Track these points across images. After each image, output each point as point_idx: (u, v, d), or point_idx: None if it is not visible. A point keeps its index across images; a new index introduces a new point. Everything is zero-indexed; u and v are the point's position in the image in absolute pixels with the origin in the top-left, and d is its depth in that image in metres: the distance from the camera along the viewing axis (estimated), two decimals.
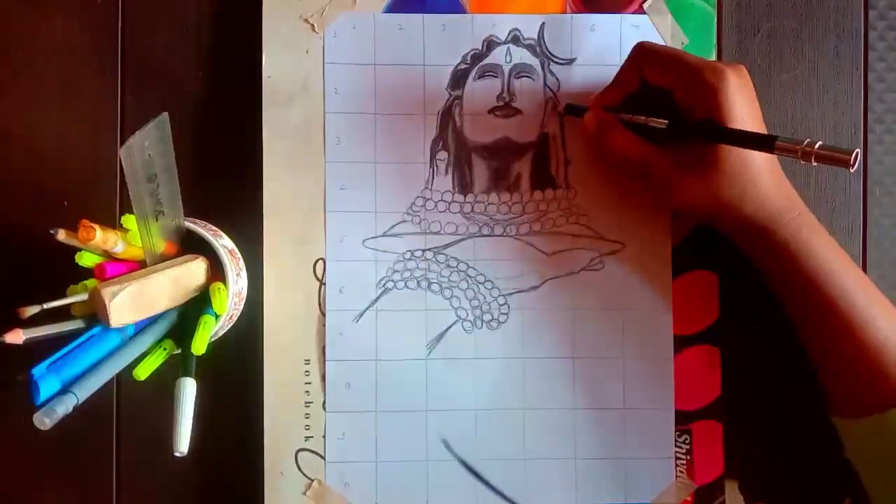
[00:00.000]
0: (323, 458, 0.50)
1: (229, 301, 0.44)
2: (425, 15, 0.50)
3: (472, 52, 0.50)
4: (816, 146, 0.39)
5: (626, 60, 0.47)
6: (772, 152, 0.41)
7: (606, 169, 0.50)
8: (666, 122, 0.45)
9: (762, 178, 0.44)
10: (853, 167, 0.39)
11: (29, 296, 0.41)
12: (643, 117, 0.46)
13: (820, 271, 0.44)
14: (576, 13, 0.51)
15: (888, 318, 0.44)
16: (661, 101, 0.46)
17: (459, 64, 0.50)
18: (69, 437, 0.49)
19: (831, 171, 0.52)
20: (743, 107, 0.43)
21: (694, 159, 0.44)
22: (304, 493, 0.49)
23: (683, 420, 0.50)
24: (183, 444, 0.40)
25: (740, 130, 0.43)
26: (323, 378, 0.50)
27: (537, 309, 0.50)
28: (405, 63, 0.50)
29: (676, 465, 0.50)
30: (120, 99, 0.50)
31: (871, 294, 0.45)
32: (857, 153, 0.39)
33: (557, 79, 0.50)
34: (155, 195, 0.41)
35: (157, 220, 0.42)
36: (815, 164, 0.40)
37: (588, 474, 0.50)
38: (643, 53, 0.46)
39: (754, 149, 0.43)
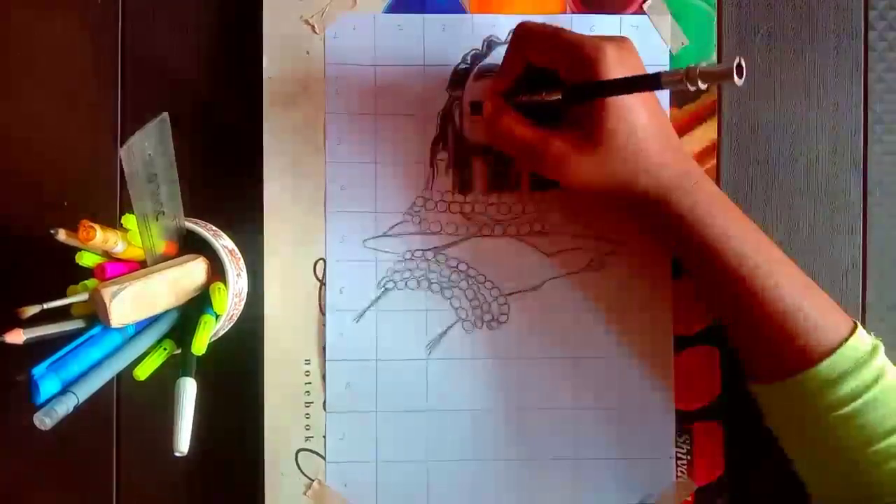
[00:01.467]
0: (323, 458, 0.50)
1: (229, 301, 0.44)
2: (425, 15, 0.50)
3: (472, 53, 0.50)
4: (699, 68, 0.38)
5: (509, 44, 0.46)
6: (660, 87, 0.40)
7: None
8: (559, 92, 0.44)
9: (652, 149, 0.44)
10: (740, 79, 0.37)
11: (29, 296, 0.41)
12: (538, 95, 0.45)
13: (719, 239, 0.44)
14: (576, 13, 0.51)
15: (793, 283, 0.44)
16: (553, 82, 0.45)
17: (459, 64, 0.50)
18: (69, 437, 0.49)
19: (831, 170, 0.52)
20: (626, 74, 0.43)
21: (582, 137, 0.44)
22: (305, 494, 0.49)
23: (684, 420, 0.50)
24: (183, 444, 0.40)
25: (623, 78, 0.42)
26: (323, 378, 0.50)
27: (537, 309, 0.50)
28: (405, 63, 0.50)
29: (677, 466, 0.50)
30: (120, 99, 0.51)
31: (775, 258, 0.44)
32: (739, 61, 0.37)
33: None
34: (155, 195, 0.41)
35: (157, 220, 0.42)
36: (702, 86, 0.38)
37: (588, 474, 0.50)
38: (523, 34, 0.45)
39: (643, 89, 0.41)
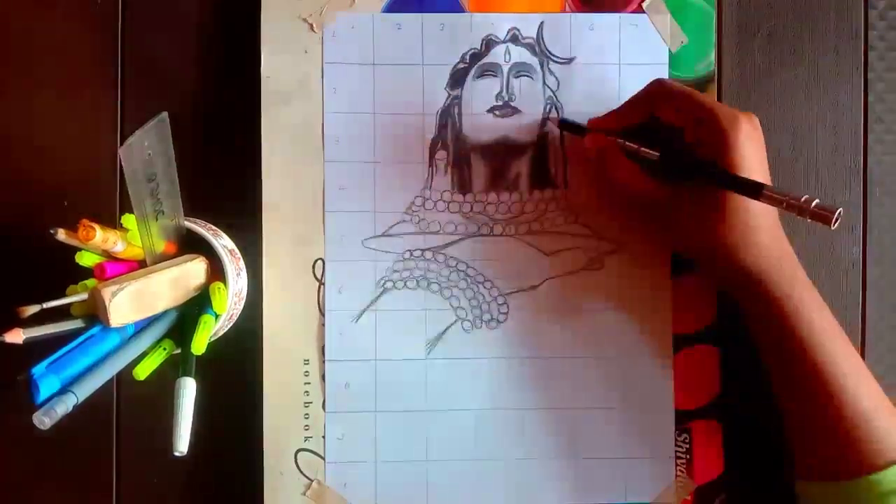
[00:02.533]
0: (322, 458, 0.50)
1: (229, 301, 0.44)
2: (424, 14, 0.50)
3: (471, 52, 0.50)
4: (802, 200, 0.40)
5: (640, 93, 0.46)
6: (756, 198, 0.41)
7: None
8: (658, 153, 0.45)
9: (762, 228, 0.44)
10: (834, 225, 0.39)
11: (29, 295, 0.41)
12: (636, 146, 0.46)
13: (811, 334, 0.44)
14: (575, 12, 0.51)
15: (871, 388, 0.44)
16: (665, 134, 0.46)
17: (458, 63, 0.50)
18: (69, 437, 0.49)
19: (831, 170, 0.52)
20: (752, 156, 0.43)
21: (696, 200, 0.44)
22: (304, 494, 0.49)
23: (683, 420, 0.50)
24: (183, 444, 0.40)
25: (730, 174, 0.42)
26: (322, 378, 0.50)
27: (537, 309, 0.50)
28: (404, 63, 0.50)
29: (676, 465, 0.50)
30: (120, 99, 0.51)
31: (857, 364, 0.45)
32: (839, 212, 0.39)
33: (557, 78, 0.50)
34: (155, 195, 0.41)
35: (156, 219, 0.42)
36: (797, 217, 0.40)
37: (588, 474, 0.50)
38: (660, 90, 0.45)
39: (741, 193, 0.42)
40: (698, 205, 0.44)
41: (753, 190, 0.41)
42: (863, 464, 0.43)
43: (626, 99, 0.47)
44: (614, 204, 0.50)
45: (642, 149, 0.46)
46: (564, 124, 0.50)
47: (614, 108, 0.48)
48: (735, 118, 0.43)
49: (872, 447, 0.43)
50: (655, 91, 0.46)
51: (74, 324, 0.42)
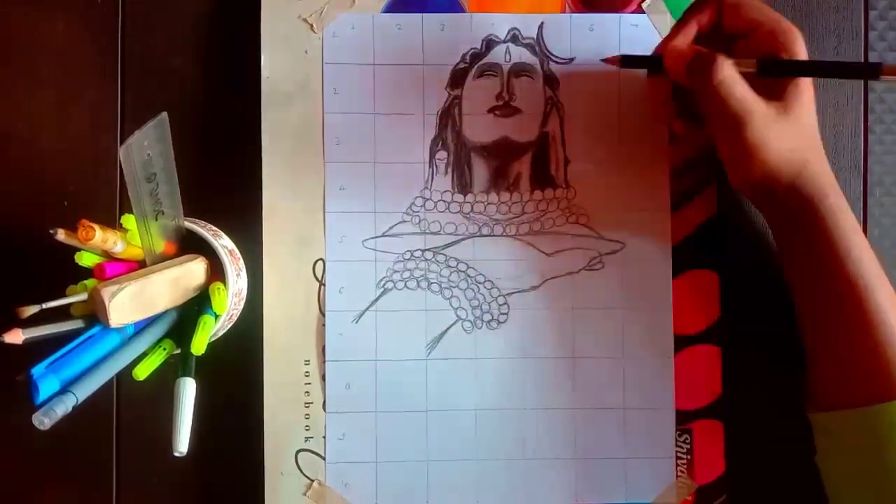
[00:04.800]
0: (323, 458, 0.50)
1: (229, 301, 0.44)
2: (424, 14, 0.50)
3: (471, 52, 0.50)
4: None
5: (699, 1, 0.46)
6: (877, 79, 0.42)
7: (607, 168, 0.50)
8: (755, 61, 0.44)
9: (819, 145, 0.45)
10: None
11: (28, 296, 0.41)
12: (731, 59, 0.43)
13: (847, 253, 0.44)
14: (575, 13, 0.51)
15: None
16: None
17: (458, 63, 0.50)
18: (69, 437, 0.49)
19: (832, 171, 0.51)
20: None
21: (783, 109, 0.44)
22: (305, 494, 0.49)
23: (684, 420, 0.50)
24: (183, 444, 0.40)
25: (838, 62, 0.43)
26: (323, 378, 0.50)
27: (537, 309, 0.50)
28: (404, 63, 0.50)
29: (677, 465, 0.50)
30: (120, 99, 0.51)
31: (887, 286, 0.44)
32: None
33: (557, 78, 0.50)
34: (154, 195, 0.41)
35: (156, 219, 0.42)
36: None
37: (588, 474, 0.50)
38: None
39: (861, 77, 0.44)
40: (787, 117, 0.44)
41: (873, 70, 0.42)
42: (885, 391, 0.43)
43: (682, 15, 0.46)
44: (622, 190, 0.50)
45: (739, 59, 0.43)
46: (628, 60, 0.47)
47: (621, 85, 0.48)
48: (794, 26, 0.44)
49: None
50: None
51: (74, 324, 0.42)
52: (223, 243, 0.46)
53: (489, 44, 0.50)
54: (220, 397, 0.49)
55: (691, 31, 0.45)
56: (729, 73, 0.43)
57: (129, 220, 0.42)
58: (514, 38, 0.50)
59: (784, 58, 0.44)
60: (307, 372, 0.50)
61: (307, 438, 0.50)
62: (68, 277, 0.42)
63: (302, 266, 0.50)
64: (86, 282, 0.42)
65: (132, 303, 0.41)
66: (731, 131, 0.44)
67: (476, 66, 0.50)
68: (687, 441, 0.50)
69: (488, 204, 0.51)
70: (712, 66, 0.43)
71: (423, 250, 0.50)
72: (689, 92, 0.45)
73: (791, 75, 0.44)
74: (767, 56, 0.44)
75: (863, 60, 0.51)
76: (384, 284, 0.50)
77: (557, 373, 0.50)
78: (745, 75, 0.43)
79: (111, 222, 0.42)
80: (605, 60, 0.48)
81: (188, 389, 0.41)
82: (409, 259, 0.50)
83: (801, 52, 0.44)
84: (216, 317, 0.44)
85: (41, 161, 0.50)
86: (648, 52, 0.48)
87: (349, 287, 0.50)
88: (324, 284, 0.50)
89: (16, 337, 0.39)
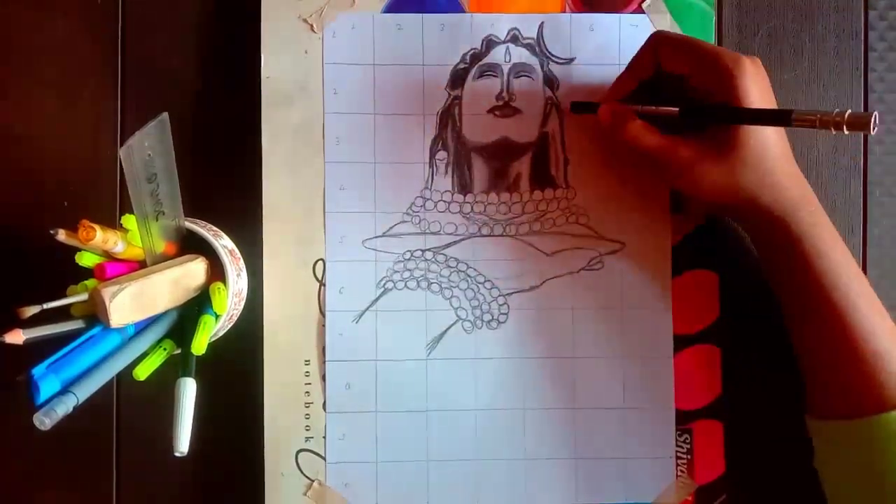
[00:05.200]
0: (323, 458, 0.50)
1: (229, 301, 0.44)
2: (424, 14, 0.50)
3: (471, 52, 0.50)
4: (834, 114, 0.39)
5: (642, 48, 0.46)
6: (789, 125, 0.41)
7: (610, 163, 0.50)
8: (677, 109, 0.45)
9: (779, 167, 0.44)
10: (873, 130, 0.39)
11: (29, 296, 0.41)
12: (653, 107, 0.46)
13: (829, 273, 0.44)
14: (575, 13, 0.51)
15: (886, 329, 0.44)
16: (670, 93, 0.46)
17: (458, 63, 0.50)
18: (69, 437, 0.49)
19: (831, 170, 0.52)
20: (758, 94, 0.43)
21: (712, 146, 0.44)
22: (305, 494, 0.49)
23: (684, 420, 0.50)
24: (183, 444, 0.40)
25: (756, 109, 0.43)
26: (323, 378, 0.50)
27: (537, 309, 0.50)
28: (404, 63, 0.50)
29: (677, 465, 0.50)
30: (120, 99, 0.51)
31: (873, 302, 0.45)
32: (875, 115, 0.39)
33: (557, 78, 0.51)
34: (155, 195, 0.41)
35: (157, 220, 0.42)
36: (834, 132, 0.40)
37: (588, 474, 0.50)
38: (660, 40, 0.46)
39: (771, 124, 0.43)
40: (714, 150, 0.44)
41: (783, 118, 0.41)
42: (878, 403, 0.43)
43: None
44: (622, 189, 0.50)
45: (660, 108, 0.46)
46: (577, 107, 0.50)
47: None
48: (738, 58, 0.43)
49: (888, 386, 0.43)
50: (657, 42, 0.46)
51: (75, 324, 0.42)
52: (223, 243, 0.46)
53: (489, 44, 0.50)
54: (220, 397, 0.49)
55: (630, 82, 0.47)
56: (636, 130, 0.46)
57: (129, 221, 0.42)
58: (514, 38, 0.50)
59: (722, 97, 0.44)
60: (307, 372, 0.50)
61: (307, 438, 0.50)
62: (69, 278, 0.42)
63: (302, 266, 0.50)
64: (86, 282, 0.42)
65: (133, 303, 0.41)
66: (657, 173, 0.48)
67: (476, 67, 0.50)
68: (687, 441, 0.50)
69: (488, 204, 0.51)
70: (622, 123, 0.46)
71: (424, 250, 0.50)
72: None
73: (711, 121, 0.45)
74: (710, 94, 0.44)
75: (862, 60, 0.52)
76: (384, 284, 0.50)
77: (557, 373, 0.50)
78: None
79: (111, 222, 0.42)
80: (557, 107, 0.50)
81: (188, 389, 0.41)
82: (409, 259, 0.50)
83: (740, 90, 0.43)
84: (216, 317, 0.44)
85: (41, 161, 0.50)
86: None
87: (349, 287, 0.50)
88: (324, 284, 0.50)
89: (16, 337, 0.39)
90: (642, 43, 0.46)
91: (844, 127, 0.39)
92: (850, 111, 0.39)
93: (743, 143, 0.44)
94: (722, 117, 0.44)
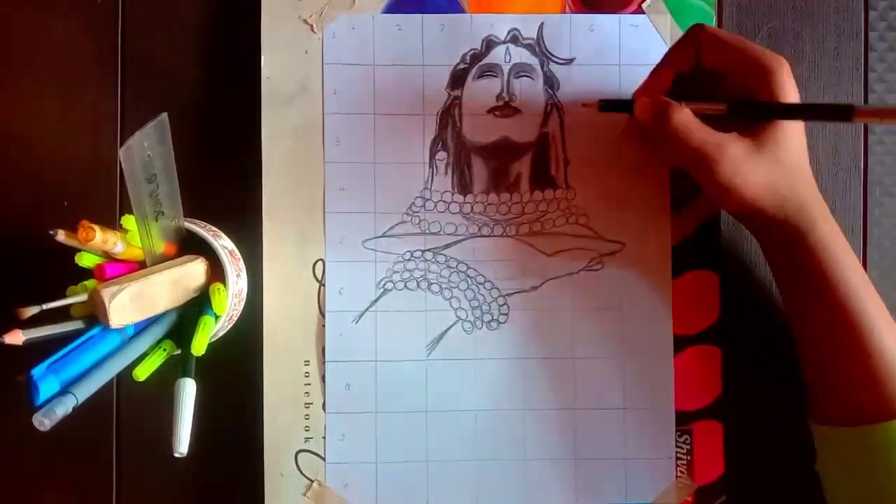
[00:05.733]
0: (323, 459, 0.50)
1: (229, 302, 0.44)
2: (424, 15, 0.50)
3: (471, 52, 0.50)
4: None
5: (681, 40, 0.45)
6: (849, 121, 0.41)
7: (607, 168, 0.50)
8: (724, 105, 0.44)
9: (807, 173, 0.45)
10: None
11: (28, 296, 0.41)
12: (696, 104, 0.44)
13: (841, 282, 0.44)
14: (575, 13, 0.51)
15: (893, 337, 0.44)
16: (700, 92, 0.45)
17: (458, 64, 0.50)
18: (69, 437, 0.49)
19: (831, 172, 0.52)
20: (795, 93, 0.44)
21: (759, 145, 0.44)
22: (305, 495, 0.49)
23: (684, 420, 0.50)
24: (183, 444, 0.40)
25: (814, 104, 0.43)
26: (323, 379, 0.50)
27: (537, 309, 0.50)
28: (404, 63, 0.50)
29: (677, 466, 0.50)
30: (120, 99, 0.51)
31: (881, 310, 0.45)
32: None
33: (557, 78, 0.50)
34: (154, 196, 0.41)
35: (156, 220, 0.42)
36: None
37: (588, 474, 0.50)
38: (700, 33, 0.45)
39: (832, 119, 0.42)
40: (759, 153, 0.44)
41: (845, 112, 0.41)
42: (882, 411, 0.43)
43: (662, 56, 0.46)
44: (622, 190, 0.50)
45: (706, 105, 0.44)
46: (607, 105, 0.48)
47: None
48: (780, 59, 0.43)
49: (890, 392, 0.43)
50: (698, 34, 0.45)
51: (74, 325, 0.42)
52: (223, 244, 0.46)
53: (489, 44, 0.50)
54: (220, 398, 0.49)
55: (668, 74, 0.46)
56: (683, 120, 0.43)
57: (129, 221, 0.42)
58: (515, 38, 0.50)
59: (761, 97, 0.43)
60: (307, 372, 0.50)
61: (307, 439, 0.50)
62: (68, 278, 0.42)
63: (302, 266, 0.50)
64: (86, 282, 0.42)
65: (132, 303, 0.41)
66: (699, 172, 0.44)
67: (476, 67, 0.50)
68: (687, 442, 0.50)
69: (488, 204, 0.51)
70: (667, 113, 0.44)
71: (423, 251, 0.50)
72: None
73: (760, 118, 0.44)
74: (748, 93, 0.44)
75: (863, 61, 0.52)
76: (384, 285, 0.50)
77: (557, 373, 0.50)
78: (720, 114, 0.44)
79: (111, 223, 0.42)
80: (584, 105, 0.48)
81: (188, 390, 0.41)
82: (409, 259, 0.50)
83: (782, 90, 0.43)
84: (216, 317, 0.44)
85: (41, 161, 0.50)
86: (648, 59, 0.48)
87: (349, 287, 0.50)
88: (324, 285, 0.50)
89: (16, 338, 0.39)
90: (680, 35, 0.45)
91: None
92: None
93: (784, 145, 0.43)
94: (777, 113, 0.43)
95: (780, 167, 0.44)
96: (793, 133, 0.44)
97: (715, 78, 0.45)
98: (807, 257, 0.44)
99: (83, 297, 0.42)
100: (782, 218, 0.44)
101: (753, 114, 0.44)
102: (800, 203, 0.44)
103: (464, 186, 0.50)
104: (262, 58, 0.50)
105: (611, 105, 0.48)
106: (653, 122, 0.45)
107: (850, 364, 0.44)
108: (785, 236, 0.45)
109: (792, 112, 0.43)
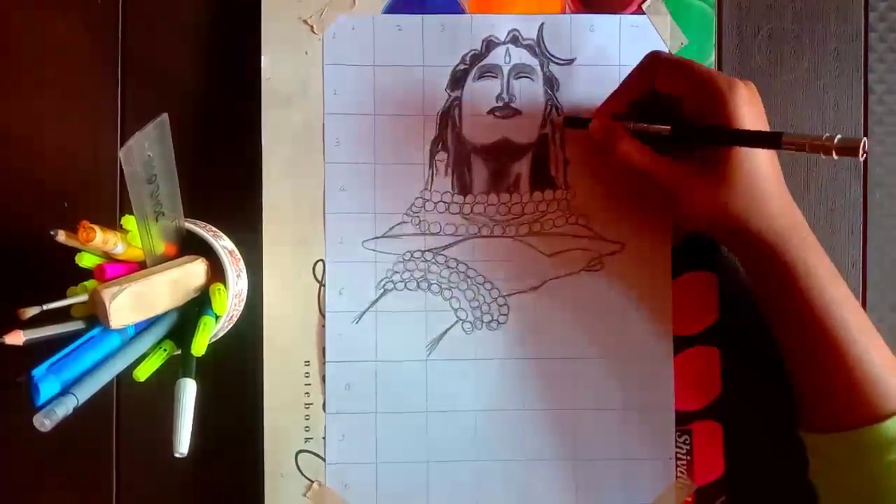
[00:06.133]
0: (323, 459, 0.50)
1: (229, 302, 0.44)
2: (424, 15, 0.50)
3: (471, 53, 0.50)
4: (824, 138, 0.39)
5: (636, 67, 0.46)
6: (779, 148, 0.41)
7: (606, 170, 0.50)
8: (669, 127, 0.45)
9: (770, 193, 0.44)
10: (862, 157, 0.39)
11: (29, 297, 0.41)
12: (645, 125, 0.46)
13: (821, 298, 0.44)
14: (575, 13, 0.51)
15: (880, 354, 0.44)
16: (663, 113, 0.46)
17: (458, 64, 0.50)
18: (69, 437, 0.49)
19: (831, 172, 0.52)
20: (752, 118, 0.43)
21: (704, 168, 0.44)
22: (305, 495, 0.49)
23: (684, 420, 0.50)
24: (183, 444, 0.40)
25: (746, 130, 0.43)
26: (323, 379, 0.50)
27: (537, 310, 0.50)
28: (404, 64, 0.50)
29: (677, 466, 0.50)
30: (120, 99, 0.51)
31: (868, 330, 0.45)
32: (864, 142, 0.39)
33: (557, 79, 0.50)
34: (155, 196, 0.41)
35: (156, 220, 0.42)
36: (824, 157, 0.40)
37: (588, 475, 0.50)
38: (656, 61, 0.45)
39: (761, 146, 0.43)
40: (705, 174, 0.44)
41: (773, 140, 0.41)
42: (867, 416, 0.43)
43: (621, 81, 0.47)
44: (621, 191, 0.50)
45: (652, 126, 0.46)
46: (569, 121, 0.50)
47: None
48: (733, 83, 0.43)
49: (879, 402, 0.43)
50: (653, 62, 0.46)
51: (75, 325, 0.42)
52: (223, 244, 0.46)
53: (489, 45, 0.50)
54: (220, 398, 0.49)
55: (623, 99, 0.47)
56: (627, 147, 0.46)
57: (129, 221, 0.42)
58: (514, 39, 0.50)
59: (714, 120, 0.43)
60: (307, 373, 0.50)
61: (307, 439, 0.50)
62: (68, 279, 0.42)
63: (302, 267, 0.50)
64: (86, 283, 0.42)
65: (132, 304, 0.41)
66: (652, 193, 0.47)
67: (476, 68, 0.50)
68: (686, 442, 0.50)
69: (488, 205, 0.51)
70: (612, 138, 0.46)
71: (423, 251, 0.50)
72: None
73: (702, 141, 0.44)
74: (702, 116, 0.44)
75: (862, 62, 0.52)
76: (384, 285, 0.50)
77: (557, 374, 0.50)
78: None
79: (111, 223, 0.42)
80: (559, 115, 0.51)
81: (188, 390, 0.41)
82: (409, 260, 0.50)
83: (733, 114, 0.43)
84: (216, 318, 0.44)
85: (41, 161, 0.50)
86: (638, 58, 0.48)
87: (349, 288, 0.50)
88: (324, 285, 0.50)
89: (16, 338, 0.39)
90: (639, 60, 0.46)
91: (834, 152, 0.39)
92: (839, 136, 0.39)
93: (734, 167, 0.43)
94: (713, 138, 0.44)
95: (732, 190, 0.44)
96: (747, 157, 0.44)
97: (672, 101, 0.46)
98: (782, 273, 0.45)
99: (83, 298, 0.42)
100: (753, 235, 0.44)
101: (694, 137, 0.45)
102: (767, 223, 0.44)
103: (464, 187, 0.50)
104: (263, 58, 0.50)
105: (573, 122, 0.50)
106: (602, 145, 0.47)
107: (832, 373, 0.44)
108: (758, 252, 0.45)
109: (726, 137, 0.43)
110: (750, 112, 0.43)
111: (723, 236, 0.47)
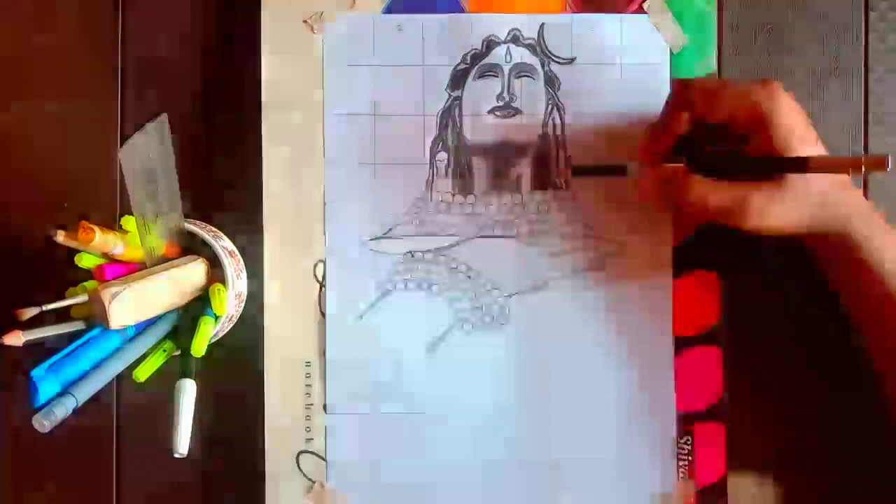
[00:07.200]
0: (324, 459, 0.50)
1: (229, 302, 0.44)
2: (424, 15, 0.50)
3: (471, 52, 0.50)
4: (850, 160, 0.40)
5: (669, 103, 0.46)
6: (804, 171, 0.42)
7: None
8: (684, 160, 0.45)
9: (844, 197, 0.44)
10: (888, 168, 0.40)
11: (28, 297, 0.41)
12: (672, 162, 0.45)
13: (891, 276, 0.44)
14: (576, 13, 0.50)
15: None
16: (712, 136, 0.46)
17: (459, 64, 0.50)
18: (69, 437, 0.49)
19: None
20: (796, 123, 0.43)
21: (778, 183, 0.44)
22: (305, 495, 0.49)
23: (685, 421, 0.50)
24: (183, 445, 0.40)
25: (767, 158, 0.43)
26: (323, 380, 0.50)
27: (538, 310, 0.50)
28: (404, 64, 0.50)
29: (678, 467, 0.50)
30: (120, 99, 0.50)
31: None
32: (888, 157, 0.39)
33: (558, 78, 0.50)
34: (154, 196, 0.41)
35: (156, 221, 0.42)
36: (852, 175, 0.40)
37: (589, 475, 0.50)
38: (686, 90, 0.45)
39: (788, 171, 0.43)
40: (782, 188, 0.44)
41: (799, 165, 0.42)
42: None
43: (652, 120, 0.47)
44: (622, 191, 0.50)
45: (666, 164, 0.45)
46: (577, 171, 0.49)
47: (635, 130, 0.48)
48: (769, 82, 0.43)
49: None
50: (684, 90, 0.45)
51: (74, 326, 0.42)
52: (223, 244, 0.46)
53: (490, 44, 0.50)
54: (220, 399, 0.49)
55: (668, 140, 0.46)
56: (697, 194, 0.44)
57: (129, 222, 0.42)
58: (515, 38, 0.50)
59: (763, 135, 0.43)
60: (308, 373, 0.50)
61: (308, 440, 0.50)
62: (68, 279, 0.42)
63: (302, 267, 0.50)
64: (86, 283, 0.42)
65: (132, 304, 0.41)
66: (727, 223, 0.45)
67: (476, 67, 0.50)
68: (688, 443, 0.50)
69: (489, 205, 0.50)
70: (683, 187, 0.45)
71: (424, 251, 0.50)
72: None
73: (740, 171, 0.44)
74: (750, 132, 0.44)
75: (862, 62, 0.52)
76: (385, 285, 0.50)
77: (558, 374, 0.50)
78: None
79: (111, 223, 0.42)
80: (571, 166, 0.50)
81: (188, 390, 0.41)
82: (409, 260, 0.50)
83: (779, 129, 0.43)
84: (216, 318, 0.44)
85: (41, 161, 0.50)
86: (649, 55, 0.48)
87: (350, 288, 0.50)
88: (324, 286, 0.50)
89: (16, 339, 0.39)
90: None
91: (863, 168, 0.40)
92: (865, 155, 0.39)
93: (803, 176, 0.43)
94: (737, 166, 0.44)
95: (808, 199, 0.43)
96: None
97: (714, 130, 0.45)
98: (862, 267, 0.44)
99: (83, 298, 0.42)
100: (834, 233, 0.44)
101: (717, 166, 0.45)
102: (841, 223, 0.44)
103: (464, 187, 0.50)
104: (262, 58, 0.50)
105: (589, 171, 0.49)
106: (667, 202, 0.46)
107: None
108: (836, 253, 0.45)
109: (751, 164, 0.44)
110: (791, 115, 0.43)
111: (800, 239, 0.46)
